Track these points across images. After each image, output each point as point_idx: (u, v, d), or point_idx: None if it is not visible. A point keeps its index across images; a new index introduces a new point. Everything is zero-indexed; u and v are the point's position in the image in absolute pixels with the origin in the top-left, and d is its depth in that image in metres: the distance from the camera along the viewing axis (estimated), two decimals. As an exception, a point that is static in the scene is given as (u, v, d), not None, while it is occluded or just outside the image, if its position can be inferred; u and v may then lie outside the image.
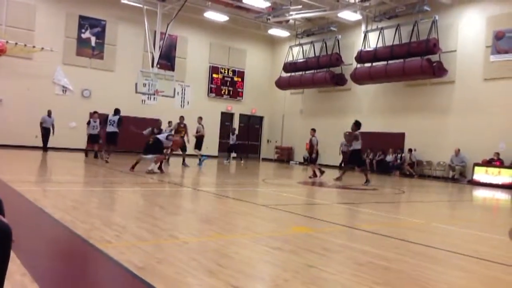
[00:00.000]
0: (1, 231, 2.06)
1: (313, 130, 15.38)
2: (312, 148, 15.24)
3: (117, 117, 16.48)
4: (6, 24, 20.59)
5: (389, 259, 4.35)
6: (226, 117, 27.73)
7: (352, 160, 14.31)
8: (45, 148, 19.73)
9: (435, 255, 4.74)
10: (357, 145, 13.58)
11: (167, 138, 13.17)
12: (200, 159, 17.54)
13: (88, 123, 18.69)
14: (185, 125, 17.35)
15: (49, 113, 19.92)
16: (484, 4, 18.38)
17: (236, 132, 23.05)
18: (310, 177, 14.92)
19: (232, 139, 21.98)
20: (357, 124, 13.75)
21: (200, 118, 18.29)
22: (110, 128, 16.46)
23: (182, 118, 17.54)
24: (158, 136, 13.26)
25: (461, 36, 19.04)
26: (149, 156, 12.66)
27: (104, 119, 17.08)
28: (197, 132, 17.97)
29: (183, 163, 16.83)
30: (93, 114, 18.64)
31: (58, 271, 3.58)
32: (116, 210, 6.43)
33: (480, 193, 14.51)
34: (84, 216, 5.55)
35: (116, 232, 4.70)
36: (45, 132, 19.80)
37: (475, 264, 4.47)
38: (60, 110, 21.34)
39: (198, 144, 17.89)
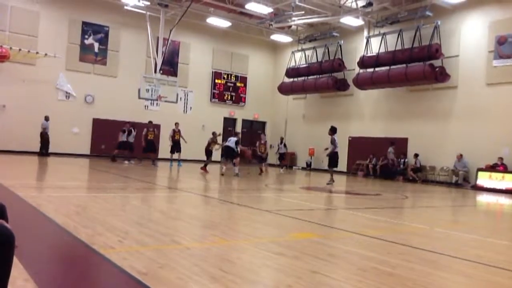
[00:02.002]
0: (4, 237, 2.07)
1: (219, 134, 19.05)
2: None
3: (234, 139, 16.55)
4: (9, 30, 20.69)
5: (393, 264, 4.33)
6: (229, 123, 27.75)
7: (334, 162, 15.24)
8: (46, 153, 20.09)
9: (438, 261, 4.72)
10: (334, 148, 14.95)
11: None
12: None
13: (124, 131, 19.77)
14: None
15: (47, 118, 20.37)
16: (486, 9, 18.39)
17: (285, 141, 23.14)
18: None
19: (281, 148, 22.19)
20: (332, 129, 15.15)
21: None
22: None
23: (214, 134, 19.02)
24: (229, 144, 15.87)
25: (463, 41, 19.04)
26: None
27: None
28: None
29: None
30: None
31: (60, 276, 3.57)
32: (118, 216, 6.43)
33: (483, 198, 14.44)
34: (87, 222, 5.55)
35: (119, 238, 4.70)
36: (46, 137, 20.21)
37: (478, 270, 4.45)
38: (63, 116, 21.42)
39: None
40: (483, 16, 18.46)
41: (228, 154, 16.33)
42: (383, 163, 21.09)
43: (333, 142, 14.97)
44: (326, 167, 17.06)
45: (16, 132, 20.56)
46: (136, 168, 17.22)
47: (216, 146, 18.65)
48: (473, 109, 18.32)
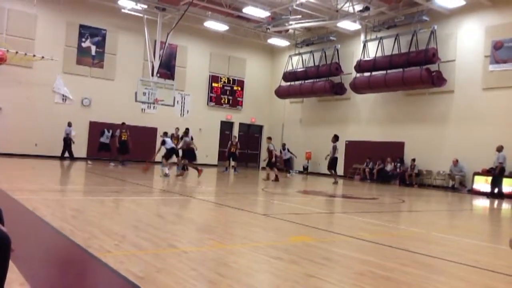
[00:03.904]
0: (0, 240, 2.06)
1: (269, 138, 18.49)
2: (270, 154, 17.52)
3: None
4: (6, 33, 20.66)
5: (390, 269, 4.33)
6: (226, 126, 27.75)
7: (333, 165, 17.92)
8: (71, 157, 20.76)
9: (435, 265, 4.72)
10: (335, 154, 17.81)
11: None
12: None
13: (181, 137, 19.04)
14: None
15: (69, 124, 20.94)
16: (483, 14, 18.48)
17: (287, 146, 23.11)
18: (264, 179, 16.88)
19: (285, 154, 22.19)
20: (335, 137, 17.93)
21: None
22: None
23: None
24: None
25: (460, 46, 19.12)
26: None
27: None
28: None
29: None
30: (175, 129, 19.67)
31: (57, 280, 3.56)
32: (115, 219, 6.41)
33: (480, 203, 14.48)
34: (83, 225, 5.53)
35: (115, 241, 4.68)
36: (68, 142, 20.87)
37: (476, 274, 4.45)
38: (60, 119, 21.36)
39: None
40: (480, 21, 18.56)
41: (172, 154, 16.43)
42: (379, 167, 21.13)
43: (334, 149, 17.63)
44: (324, 171, 18.81)
45: (13, 135, 20.50)
46: (131, 171, 17.18)
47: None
48: (470, 113, 18.38)
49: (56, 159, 20.45)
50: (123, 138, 20.33)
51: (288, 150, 23.43)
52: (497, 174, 15.61)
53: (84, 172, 16.06)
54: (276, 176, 17.04)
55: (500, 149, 15.48)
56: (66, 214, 6.31)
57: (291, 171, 23.01)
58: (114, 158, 20.46)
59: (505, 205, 13.94)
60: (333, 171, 18.01)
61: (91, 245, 4.38)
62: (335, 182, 17.36)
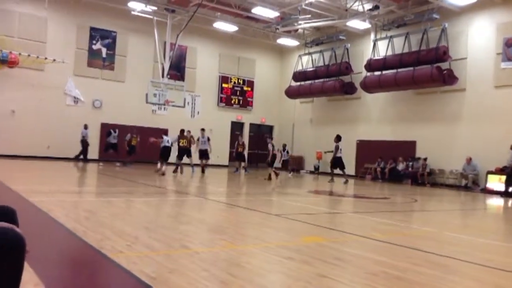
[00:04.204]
0: (16, 241, 2.08)
1: (270, 138, 20.27)
2: (269, 153, 18.17)
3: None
4: (18, 36, 20.89)
5: (402, 268, 4.30)
6: (236, 127, 27.78)
7: (335, 164, 18.45)
8: (85, 159, 21.04)
9: (448, 265, 4.69)
10: (338, 153, 18.11)
11: None
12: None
13: (198, 139, 18.91)
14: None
15: (86, 126, 21.25)
16: (494, 11, 18.30)
17: (287, 148, 23.13)
18: (265, 179, 17.26)
19: (284, 155, 22.19)
20: (338, 137, 18.14)
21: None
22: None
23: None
24: None
25: (471, 44, 18.94)
26: None
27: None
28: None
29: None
30: (201, 131, 19.16)
31: (70, 280, 3.59)
32: (127, 220, 6.45)
33: (493, 202, 14.33)
34: (96, 226, 5.57)
35: (128, 242, 4.71)
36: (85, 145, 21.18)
37: (489, 274, 4.41)
38: (72, 121, 21.58)
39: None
40: (491, 18, 18.37)
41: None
42: (391, 167, 21.00)
43: (336, 149, 18.00)
44: (336, 171, 18.71)
45: (26, 137, 20.73)
46: (142, 172, 17.27)
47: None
48: (482, 111, 18.20)
49: (68, 160, 20.63)
50: (132, 143, 20.64)
51: (287, 152, 23.11)
52: (510, 172, 15.43)
53: (96, 173, 16.18)
54: (270, 175, 17.41)
55: (513, 147, 15.31)
56: (79, 215, 6.36)
57: (291, 172, 22.65)
58: (122, 159, 20.66)
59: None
60: (334, 170, 18.59)
61: (103, 246, 4.41)
62: (331, 180, 17.97)
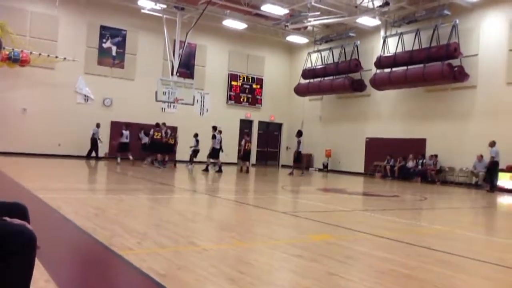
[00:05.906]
0: (27, 238, 2.10)
1: (247, 134, 21.52)
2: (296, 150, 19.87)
3: None
4: (30, 35, 21.06)
5: (412, 267, 4.28)
6: (245, 125, 27.76)
7: (296, 159, 19.90)
8: (97, 157, 21.16)
9: (458, 263, 4.65)
10: (299, 148, 19.58)
11: None
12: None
13: (213, 137, 18.88)
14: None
15: (98, 125, 21.32)
16: (506, 7, 18.08)
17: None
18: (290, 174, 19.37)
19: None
20: (299, 132, 19.88)
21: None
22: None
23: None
24: None
25: (482, 40, 18.74)
26: None
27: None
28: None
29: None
30: (214, 129, 19.35)
31: (80, 277, 3.62)
32: (136, 217, 6.49)
33: (504, 200, 14.19)
34: (106, 223, 5.61)
35: (137, 239, 4.74)
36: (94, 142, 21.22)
37: (500, 272, 4.37)
38: (82, 119, 21.72)
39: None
40: (503, 14, 18.16)
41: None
42: (400, 164, 20.88)
43: (298, 143, 19.59)
44: (345, 168, 19.16)
45: (37, 135, 20.92)
46: (152, 170, 17.35)
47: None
48: (493, 108, 18.00)
49: (79, 158, 20.78)
50: (170, 142, 20.12)
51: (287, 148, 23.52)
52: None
53: (106, 171, 16.29)
54: (247, 168, 19.31)
55: (525, 145, 15.13)
56: (89, 212, 6.41)
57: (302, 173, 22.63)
58: (154, 158, 20.08)
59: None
60: (296, 165, 20.07)
61: (113, 243, 4.45)
62: (291, 173, 19.35)
